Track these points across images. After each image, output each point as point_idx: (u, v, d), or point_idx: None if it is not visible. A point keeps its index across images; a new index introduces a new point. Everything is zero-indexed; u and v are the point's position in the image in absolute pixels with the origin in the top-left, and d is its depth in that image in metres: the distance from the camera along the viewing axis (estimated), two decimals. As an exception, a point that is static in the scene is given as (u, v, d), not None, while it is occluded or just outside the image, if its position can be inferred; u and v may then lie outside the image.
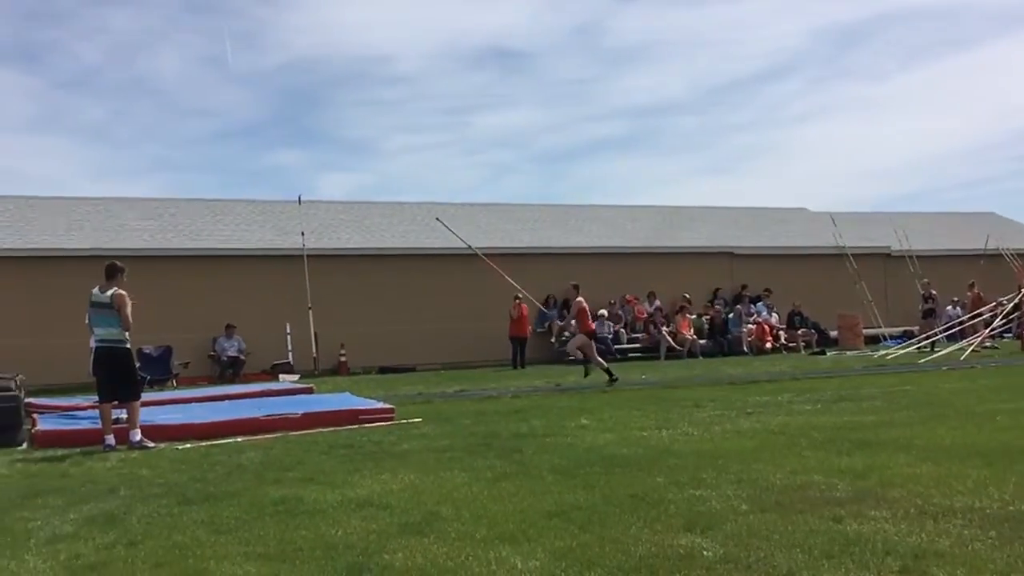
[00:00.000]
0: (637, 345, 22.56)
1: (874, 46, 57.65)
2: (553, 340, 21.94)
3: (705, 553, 4.51)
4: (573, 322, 15.48)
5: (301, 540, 4.97)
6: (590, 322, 15.20)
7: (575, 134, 58.58)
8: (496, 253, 22.27)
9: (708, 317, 23.50)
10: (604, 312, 22.11)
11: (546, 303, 22.47)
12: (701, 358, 21.55)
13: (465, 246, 19.54)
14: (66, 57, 48.79)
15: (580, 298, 15.26)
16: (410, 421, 10.25)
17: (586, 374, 15.19)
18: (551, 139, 59.58)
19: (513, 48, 56.80)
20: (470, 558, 4.53)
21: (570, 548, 4.67)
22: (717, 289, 24.52)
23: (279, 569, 4.44)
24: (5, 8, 47.12)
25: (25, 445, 9.39)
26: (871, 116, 59.38)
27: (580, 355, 15.69)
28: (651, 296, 23.56)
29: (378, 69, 54.33)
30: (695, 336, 22.57)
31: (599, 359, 14.92)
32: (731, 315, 23.32)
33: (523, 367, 19.76)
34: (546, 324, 22.13)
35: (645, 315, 23.14)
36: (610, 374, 14.47)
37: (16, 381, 10.34)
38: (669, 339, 22.14)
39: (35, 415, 10.65)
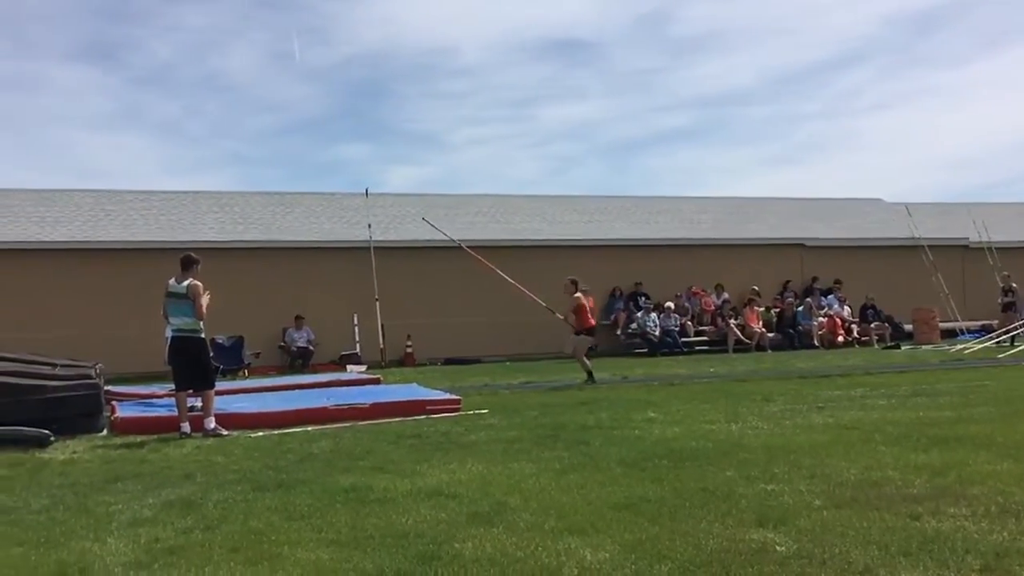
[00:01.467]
0: (704, 338, 22.28)
1: (952, 32, 55.91)
2: (619, 332, 21.88)
3: (778, 548, 4.44)
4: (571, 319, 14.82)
5: (372, 528, 5.03)
6: (589, 319, 14.77)
7: (641, 125, 58.11)
8: (562, 245, 22.32)
9: (777, 310, 23.11)
10: (670, 304, 21.92)
11: (612, 295, 22.38)
12: (770, 352, 21.21)
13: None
14: (142, 55, 50.07)
15: (578, 294, 14.81)
16: (476, 412, 10.30)
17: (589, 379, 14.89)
18: (617, 130, 59.17)
19: (578, 39, 56.52)
20: (539, 549, 4.53)
21: (640, 541, 4.64)
22: (787, 281, 24.09)
23: (351, 555, 4.50)
24: (84, 7, 48.61)
25: (105, 431, 9.66)
26: (949, 104, 57.60)
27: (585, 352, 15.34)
28: (719, 288, 23.26)
29: (443, 62, 54.60)
30: (764, 329, 22.21)
31: (584, 360, 14.48)
32: (801, 308, 22.90)
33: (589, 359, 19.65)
34: (612, 317, 22.06)
35: (713, 308, 22.86)
36: (590, 375, 14.16)
37: (96, 370, 10.66)
38: (737, 332, 21.84)
39: (114, 403, 10.96)
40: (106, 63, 49.67)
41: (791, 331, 22.52)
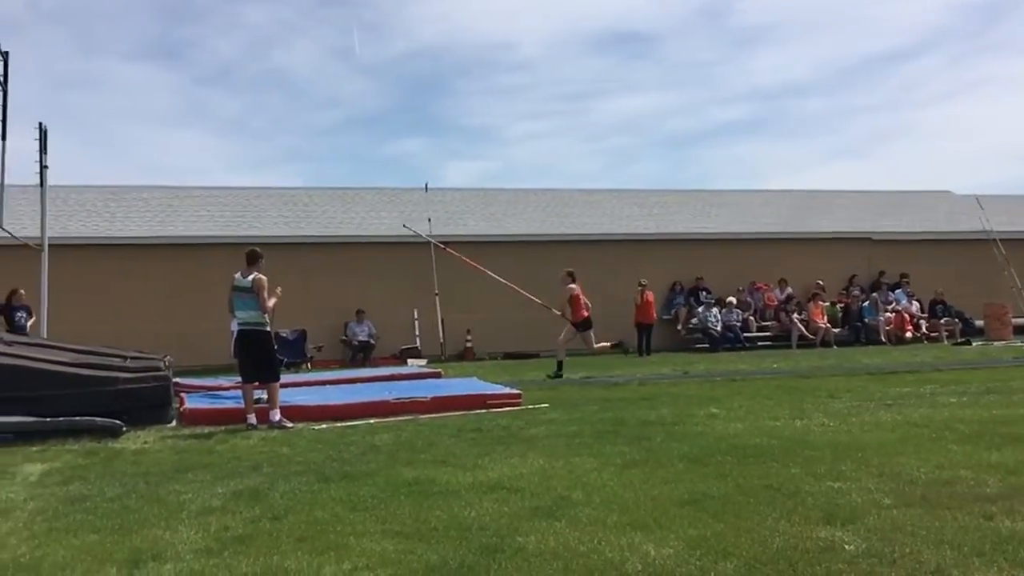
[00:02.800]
0: (767, 333, 21.98)
1: (1022, 18, 54.14)
2: (679, 328, 21.70)
3: (847, 547, 4.37)
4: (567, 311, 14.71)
5: (435, 520, 5.07)
6: (583, 311, 14.60)
7: (700, 118, 57.53)
8: (622, 239, 22.20)
9: (843, 305, 22.68)
10: (732, 299, 21.67)
11: (672, 289, 22.20)
12: (836, 348, 20.81)
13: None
14: (205, 53, 51.11)
15: (573, 285, 14.69)
16: (537, 406, 10.31)
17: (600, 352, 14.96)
18: (675, 123, 58.68)
19: (635, 31, 56.14)
20: (602, 543, 4.51)
21: (704, 537, 4.60)
22: (853, 276, 23.62)
23: (415, 547, 4.54)
24: (150, 7, 49.75)
25: (174, 423, 9.88)
26: (1020, 92, 55.87)
27: (593, 346, 15.21)
28: (782, 283, 22.90)
29: (500, 56, 54.71)
30: (829, 325, 21.81)
31: (563, 352, 14.54)
32: (867, 303, 22.44)
33: (648, 354, 19.57)
34: (672, 311, 21.88)
35: (776, 303, 22.53)
36: (559, 368, 14.20)
37: (165, 362, 10.91)
38: (801, 327, 21.49)
39: (183, 394, 11.22)
40: (171, 61, 50.85)
41: (857, 326, 22.09)
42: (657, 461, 6.73)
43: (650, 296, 20.32)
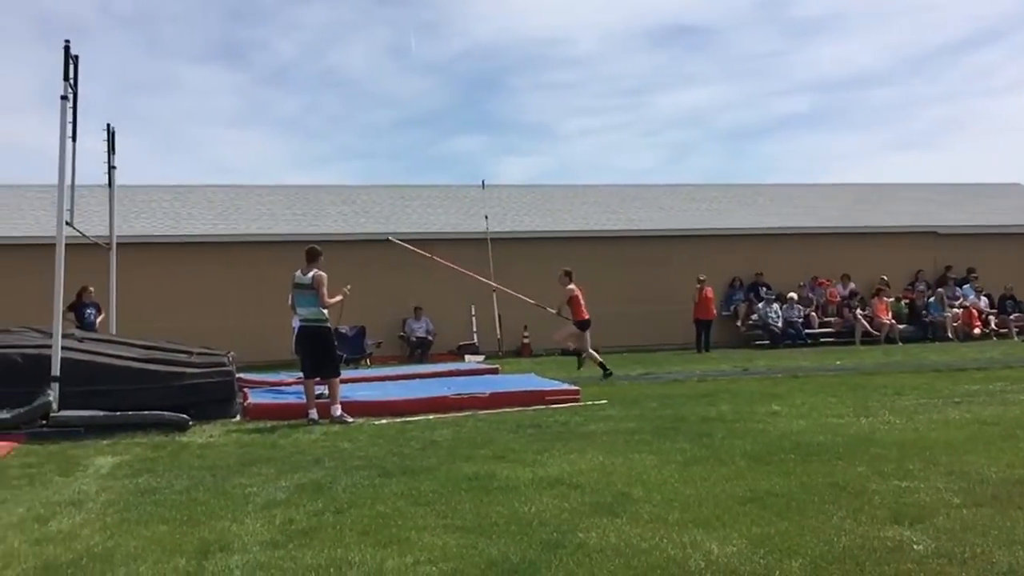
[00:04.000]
0: (830, 330, 21.59)
1: (1099, 4, 52.25)
2: (739, 324, 21.45)
3: (915, 547, 4.28)
4: (565, 311, 14.30)
5: (496, 515, 5.08)
6: (584, 312, 14.20)
7: (760, 110, 56.64)
8: (679, 235, 22.00)
9: (908, 301, 22.18)
10: (794, 295, 21.34)
11: (731, 285, 21.96)
12: (901, 344, 20.38)
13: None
14: (266, 53, 51.91)
15: (572, 286, 14.23)
16: (595, 403, 10.28)
17: (579, 366, 14.46)
18: (734, 116, 57.88)
19: (692, 24, 55.53)
20: (664, 540, 4.48)
21: (768, 535, 4.54)
22: (918, 271, 23.09)
23: (476, 542, 4.56)
24: (213, 9, 50.71)
25: (238, 417, 10.07)
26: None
27: (569, 346, 14.90)
28: (845, 278, 22.49)
29: (555, 52, 54.53)
30: (893, 321, 21.35)
31: (592, 352, 14.08)
32: (933, 299, 21.92)
33: (707, 351, 19.37)
34: (731, 307, 21.64)
35: (838, 298, 22.12)
36: (604, 368, 13.78)
37: (229, 358, 11.13)
38: (865, 324, 21.08)
39: (246, 389, 11.43)
40: (234, 62, 51.75)
41: (923, 322, 21.59)
42: (718, 458, 6.66)
43: (709, 292, 20.10)
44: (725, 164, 58.20)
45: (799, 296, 21.53)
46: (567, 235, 21.54)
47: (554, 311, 14.88)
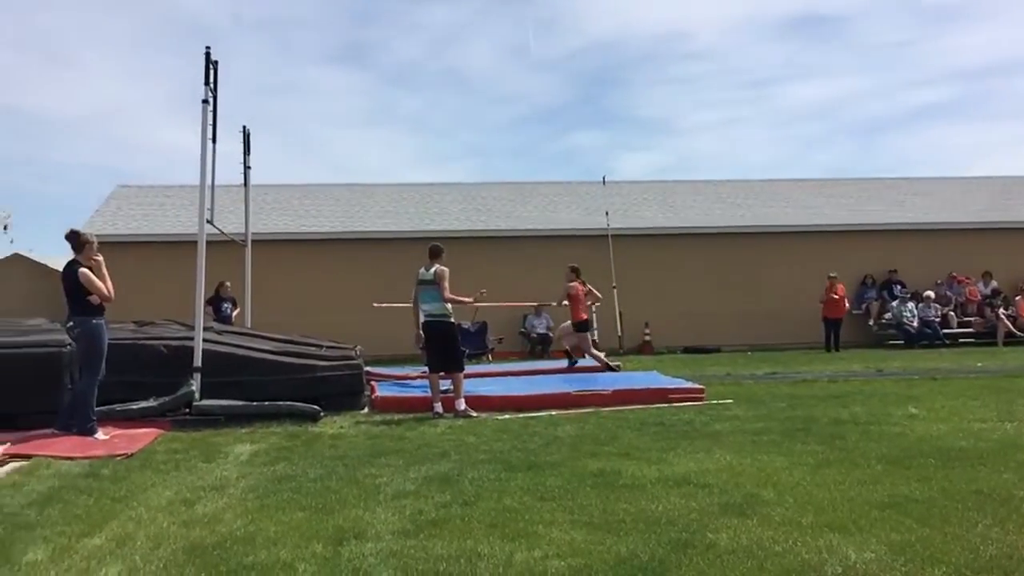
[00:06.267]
0: (970, 330, 20.55)
1: None
2: (871, 323, 20.67)
3: (1072, 560, 4.02)
4: (563, 304, 13.74)
5: (623, 512, 5.05)
6: (582, 312, 13.60)
7: (893, 101, 54.47)
8: (807, 231, 21.34)
9: (1055, 299, 20.89)
10: (930, 293, 20.41)
11: (863, 283, 21.18)
12: (1047, 345, 19.22)
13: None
14: (390, 54, 53.09)
15: (574, 283, 13.61)
16: (721, 402, 10.09)
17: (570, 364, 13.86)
18: (866, 108, 55.83)
19: (820, 13, 53.79)
20: (798, 544, 4.36)
21: (908, 542, 4.36)
22: (1069, 268, 21.74)
23: (604, 538, 4.54)
24: (339, 12, 52.19)
25: (366, 409, 10.34)
26: None
27: (565, 345, 14.30)
28: (986, 276, 21.36)
29: (675, 46, 53.86)
30: (1039, 321, 20.16)
31: (594, 352, 13.51)
32: (1085, 298, 20.57)
33: (837, 350, 18.74)
34: (863, 306, 20.87)
35: (979, 297, 21.03)
36: (609, 367, 13.21)
37: (356, 351, 11.43)
38: (1008, 324, 19.96)
39: (373, 383, 11.73)
40: (360, 63, 53.16)
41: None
42: (852, 462, 6.43)
43: (840, 289, 19.44)
44: (856, 157, 56.27)
45: (936, 294, 20.58)
46: (691, 231, 21.22)
47: (555, 304, 14.67)
